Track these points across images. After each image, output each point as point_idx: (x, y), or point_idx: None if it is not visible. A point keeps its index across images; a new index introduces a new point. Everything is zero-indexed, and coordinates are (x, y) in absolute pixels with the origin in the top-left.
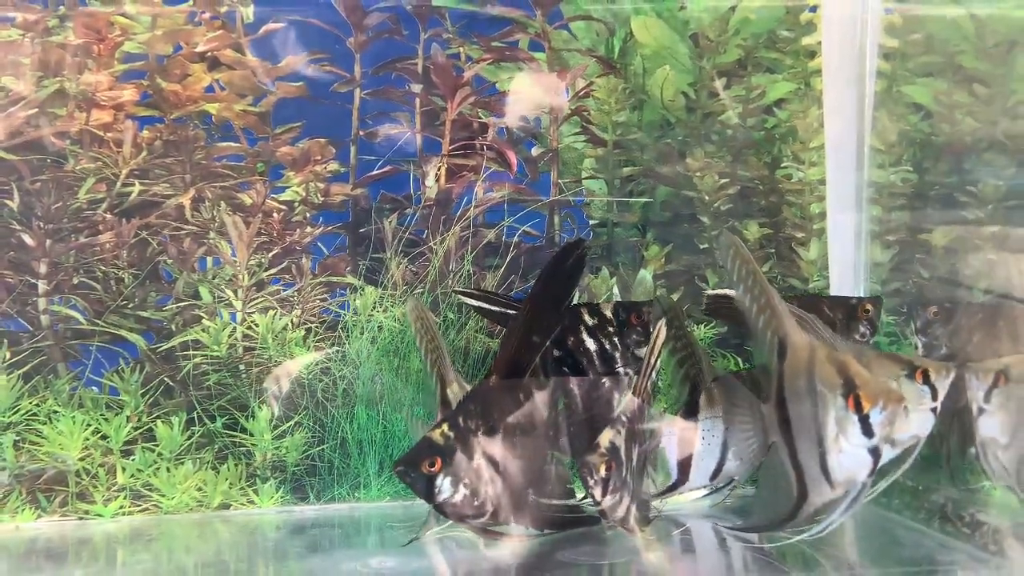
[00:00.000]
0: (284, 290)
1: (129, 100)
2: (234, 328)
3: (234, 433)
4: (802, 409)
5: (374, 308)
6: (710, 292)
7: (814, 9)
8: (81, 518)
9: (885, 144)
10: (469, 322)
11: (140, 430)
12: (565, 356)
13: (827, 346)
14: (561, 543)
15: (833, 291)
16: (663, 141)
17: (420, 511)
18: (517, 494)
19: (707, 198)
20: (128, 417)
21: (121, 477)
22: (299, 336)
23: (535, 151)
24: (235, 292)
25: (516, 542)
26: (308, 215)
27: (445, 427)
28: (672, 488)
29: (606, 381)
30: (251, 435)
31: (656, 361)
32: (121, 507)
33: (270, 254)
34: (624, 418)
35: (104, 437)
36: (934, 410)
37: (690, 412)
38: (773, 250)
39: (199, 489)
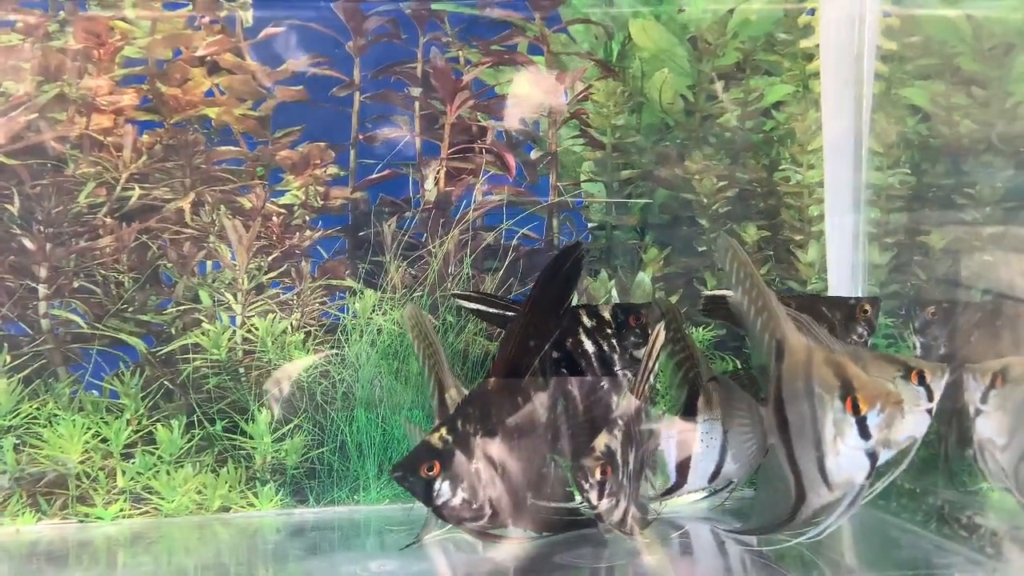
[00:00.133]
0: (284, 293)
1: (129, 104)
2: (234, 331)
3: (234, 436)
4: (800, 411)
5: (373, 311)
6: (707, 293)
7: (812, 12)
8: (81, 521)
9: (883, 146)
10: (468, 325)
11: (140, 433)
12: (563, 358)
13: (824, 348)
14: (560, 546)
15: (831, 293)
16: (662, 144)
17: (419, 514)
18: (516, 497)
19: (705, 201)
20: (128, 420)
21: (121, 480)
22: (299, 339)
23: (534, 154)
24: (235, 296)
25: (515, 545)
26: (308, 219)
27: (443, 431)
28: (671, 490)
29: (604, 383)
30: (251, 438)
31: (654, 363)
32: (121, 510)
33: (270, 258)
34: (620, 421)
35: (104, 440)
36: (930, 411)
37: (688, 414)
38: (771, 252)
39: (199, 492)
